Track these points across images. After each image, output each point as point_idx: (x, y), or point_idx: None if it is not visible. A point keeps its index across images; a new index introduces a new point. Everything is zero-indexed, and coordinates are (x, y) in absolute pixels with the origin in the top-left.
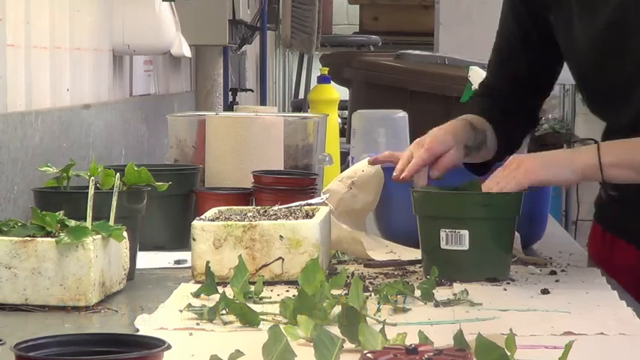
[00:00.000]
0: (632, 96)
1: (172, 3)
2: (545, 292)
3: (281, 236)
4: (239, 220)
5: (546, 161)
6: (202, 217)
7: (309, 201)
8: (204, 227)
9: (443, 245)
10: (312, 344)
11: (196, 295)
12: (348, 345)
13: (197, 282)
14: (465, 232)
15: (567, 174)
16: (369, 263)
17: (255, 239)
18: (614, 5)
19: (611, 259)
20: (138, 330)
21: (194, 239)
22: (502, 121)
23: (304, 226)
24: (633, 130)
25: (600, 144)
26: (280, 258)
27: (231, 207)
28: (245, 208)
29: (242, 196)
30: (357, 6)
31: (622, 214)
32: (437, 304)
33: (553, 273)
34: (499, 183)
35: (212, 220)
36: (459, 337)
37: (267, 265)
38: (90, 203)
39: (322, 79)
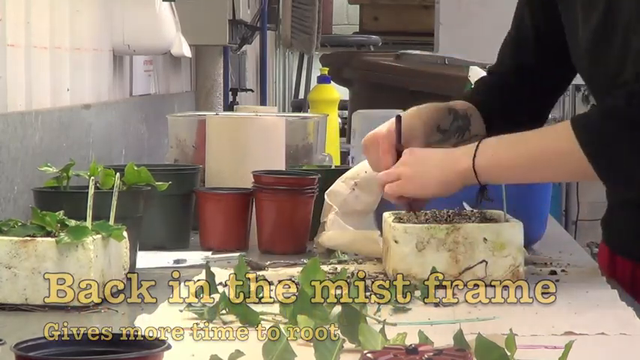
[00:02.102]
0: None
1: (172, 3)
2: None
3: (485, 239)
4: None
5: (420, 171)
6: (394, 217)
7: None
8: (407, 229)
9: None
10: (312, 344)
11: (196, 295)
12: (348, 345)
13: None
14: None
15: (434, 185)
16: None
17: (458, 242)
18: (603, 4)
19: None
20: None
21: (396, 241)
22: (496, 110)
23: (509, 229)
24: None
25: (481, 143)
26: (484, 261)
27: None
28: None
29: (242, 196)
30: (357, 6)
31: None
32: (437, 304)
33: (553, 273)
34: (382, 184)
35: (413, 223)
36: (459, 337)
37: (471, 268)
38: (90, 203)
39: (322, 79)
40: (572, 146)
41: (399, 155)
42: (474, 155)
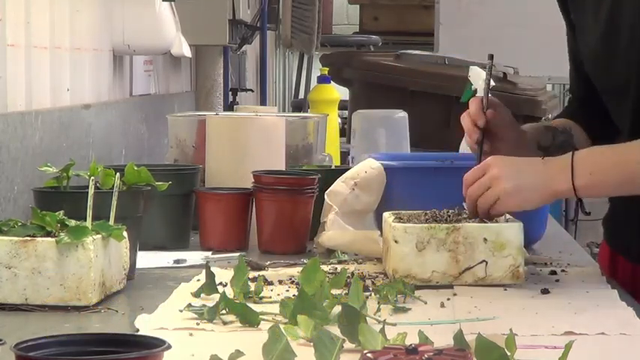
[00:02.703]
0: (625, 101)
1: (172, 3)
2: (545, 292)
3: (485, 239)
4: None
5: (520, 185)
6: (395, 217)
7: None
8: (407, 229)
9: None
10: (312, 344)
11: (196, 295)
12: (348, 345)
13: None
14: None
15: (537, 202)
16: None
17: (458, 242)
18: (607, 10)
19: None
20: (138, 330)
21: (396, 241)
22: (588, 121)
23: (509, 229)
24: (632, 135)
25: (575, 161)
26: (484, 261)
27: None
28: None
29: (242, 196)
30: (357, 6)
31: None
32: (442, 305)
33: (553, 273)
34: (474, 198)
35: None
36: (459, 337)
37: (471, 268)
38: (90, 203)
39: (322, 79)
40: None
41: (482, 131)
42: (572, 175)
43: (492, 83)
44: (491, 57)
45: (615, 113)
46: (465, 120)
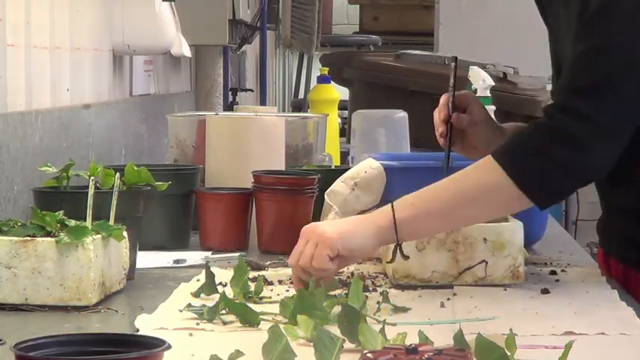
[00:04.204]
0: None
1: (172, 3)
2: (545, 292)
3: (485, 239)
4: None
5: (343, 230)
6: None
7: None
8: None
9: None
10: (312, 344)
11: (196, 295)
12: (348, 345)
13: (397, 285)
14: None
15: (365, 242)
16: None
17: (458, 242)
18: (553, 17)
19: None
20: (138, 330)
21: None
22: None
23: (509, 229)
24: None
25: (395, 202)
26: (484, 261)
27: None
28: None
29: (242, 196)
30: (357, 6)
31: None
32: (442, 305)
33: (553, 273)
34: (300, 260)
35: None
36: (459, 337)
37: (471, 268)
38: (90, 203)
39: (322, 79)
40: (495, 173)
41: (449, 126)
42: (393, 212)
43: (491, 83)
44: (454, 59)
45: None
46: (435, 114)
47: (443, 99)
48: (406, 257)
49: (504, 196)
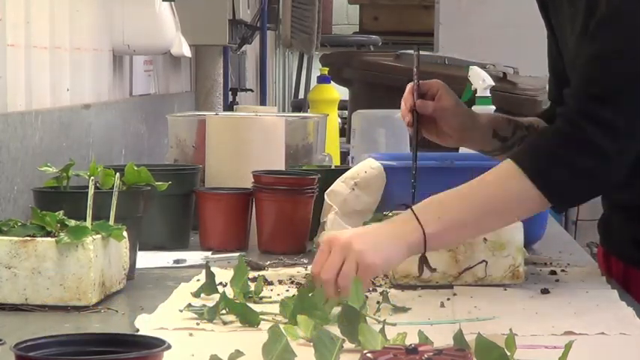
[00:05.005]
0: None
1: (172, 3)
2: (545, 292)
3: (485, 239)
4: None
5: (376, 243)
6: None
7: None
8: None
9: None
10: (312, 344)
11: (196, 295)
12: (348, 345)
13: (397, 285)
14: None
15: (399, 261)
16: None
17: None
18: (556, 13)
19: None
20: (138, 330)
21: None
22: None
23: (509, 229)
24: None
25: (417, 212)
26: (484, 261)
27: None
28: None
29: (242, 196)
30: (357, 6)
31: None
32: (442, 305)
33: (553, 273)
34: (332, 282)
35: None
36: (459, 337)
37: (471, 268)
38: (90, 203)
39: (322, 79)
40: (518, 181)
41: (415, 114)
42: (421, 227)
43: (491, 83)
44: (417, 49)
45: None
46: (401, 104)
47: (408, 87)
48: (433, 270)
49: (529, 203)
